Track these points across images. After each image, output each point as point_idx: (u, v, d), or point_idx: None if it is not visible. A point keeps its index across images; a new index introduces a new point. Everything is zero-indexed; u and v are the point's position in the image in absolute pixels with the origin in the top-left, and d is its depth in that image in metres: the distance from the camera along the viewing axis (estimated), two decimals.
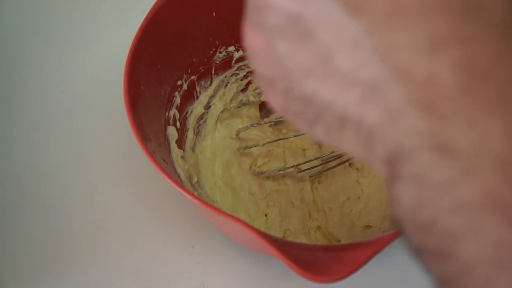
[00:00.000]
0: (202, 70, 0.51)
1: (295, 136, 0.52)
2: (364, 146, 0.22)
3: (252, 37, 0.24)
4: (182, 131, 0.50)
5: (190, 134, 0.51)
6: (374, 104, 0.21)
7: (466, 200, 0.19)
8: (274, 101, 0.25)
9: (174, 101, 0.48)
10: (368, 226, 0.49)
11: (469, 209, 0.19)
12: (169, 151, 0.46)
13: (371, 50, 0.20)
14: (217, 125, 0.53)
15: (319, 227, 0.50)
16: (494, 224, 0.19)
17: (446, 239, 0.20)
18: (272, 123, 0.54)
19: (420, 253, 0.21)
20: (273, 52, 0.23)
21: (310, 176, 0.51)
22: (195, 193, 0.45)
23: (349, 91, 0.21)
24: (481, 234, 0.19)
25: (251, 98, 0.54)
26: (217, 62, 0.52)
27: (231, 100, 0.54)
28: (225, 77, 0.53)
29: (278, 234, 0.48)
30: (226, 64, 0.52)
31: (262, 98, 0.53)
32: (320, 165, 0.51)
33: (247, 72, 0.54)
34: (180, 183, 0.41)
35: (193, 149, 0.51)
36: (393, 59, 0.19)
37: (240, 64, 0.53)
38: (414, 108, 0.19)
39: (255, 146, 0.52)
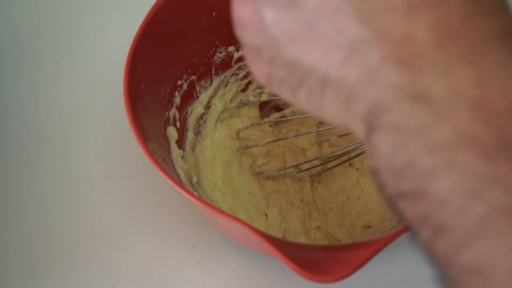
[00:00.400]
0: (202, 70, 0.51)
1: (295, 136, 0.52)
2: (344, 107, 0.24)
3: (240, 6, 0.26)
4: (182, 131, 0.50)
5: (190, 134, 0.51)
6: (355, 64, 0.22)
7: (441, 140, 0.20)
8: (259, 70, 0.27)
9: (174, 101, 0.48)
10: (368, 226, 0.49)
11: (443, 148, 0.20)
12: (169, 151, 0.46)
13: (352, 15, 0.22)
14: (217, 125, 0.53)
15: (319, 227, 0.50)
16: (466, 158, 0.20)
17: (421, 179, 0.21)
18: (272, 123, 0.54)
19: (396, 198, 0.22)
20: (260, 20, 0.24)
21: (310, 176, 0.51)
22: (195, 193, 0.45)
23: (331, 54, 0.23)
24: (454, 169, 0.20)
25: (251, 98, 0.54)
26: (217, 62, 0.52)
27: (231, 100, 0.54)
28: (225, 77, 0.53)
29: (278, 234, 0.48)
30: (226, 64, 0.52)
31: (262, 98, 0.53)
32: (320, 165, 0.51)
33: (247, 72, 0.54)
34: (180, 183, 0.41)
35: (193, 149, 0.51)
36: (372, 22, 0.21)
37: (240, 64, 0.53)
38: (391, 64, 0.21)
39: (255, 146, 0.52)
